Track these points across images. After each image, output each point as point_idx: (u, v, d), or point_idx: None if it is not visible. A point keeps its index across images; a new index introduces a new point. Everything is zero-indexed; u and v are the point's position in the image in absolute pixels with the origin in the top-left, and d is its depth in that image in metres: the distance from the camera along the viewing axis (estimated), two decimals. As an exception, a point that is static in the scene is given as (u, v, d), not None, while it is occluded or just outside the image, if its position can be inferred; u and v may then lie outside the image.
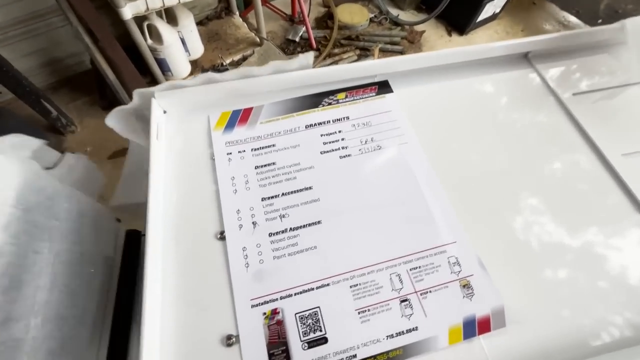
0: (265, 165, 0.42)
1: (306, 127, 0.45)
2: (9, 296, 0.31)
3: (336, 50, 1.86)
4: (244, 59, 1.81)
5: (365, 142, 0.44)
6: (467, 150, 0.44)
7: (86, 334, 0.40)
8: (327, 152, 0.43)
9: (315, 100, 0.47)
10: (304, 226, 0.38)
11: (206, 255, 0.36)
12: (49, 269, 0.36)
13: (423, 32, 2.00)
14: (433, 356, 0.32)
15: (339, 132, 0.44)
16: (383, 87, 0.48)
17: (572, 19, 2.22)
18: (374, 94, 0.48)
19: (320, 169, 0.42)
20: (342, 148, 0.43)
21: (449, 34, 2.04)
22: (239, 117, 0.45)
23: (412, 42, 1.97)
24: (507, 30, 2.09)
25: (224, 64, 1.76)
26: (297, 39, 1.89)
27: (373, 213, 0.39)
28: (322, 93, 0.48)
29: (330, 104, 0.47)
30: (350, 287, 0.35)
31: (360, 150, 0.43)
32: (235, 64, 1.77)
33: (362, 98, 0.47)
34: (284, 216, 0.39)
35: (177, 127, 0.45)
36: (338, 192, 0.40)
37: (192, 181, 0.41)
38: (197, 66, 1.75)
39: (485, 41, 2.00)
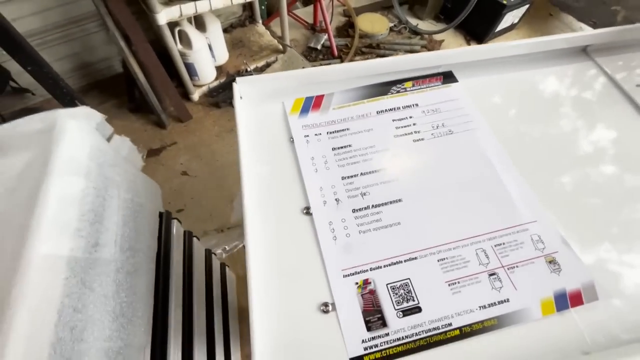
0: (342, 147, 0.43)
1: (377, 112, 0.46)
2: (95, 227, 0.38)
3: (357, 58, 1.90)
4: (268, 65, 1.85)
5: (437, 127, 0.45)
6: (537, 138, 0.45)
7: (148, 267, 0.46)
8: (400, 135, 0.44)
9: (383, 89, 0.49)
10: (386, 204, 0.39)
11: (295, 229, 0.37)
12: (121, 211, 0.43)
13: (442, 41, 2.04)
14: (528, 327, 0.33)
15: (410, 117, 0.46)
16: (448, 77, 0.50)
17: (589, 29, 2.25)
18: (439, 83, 0.50)
19: (395, 152, 0.43)
20: (415, 132, 0.45)
21: (468, 43, 2.07)
22: (312, 104, 0.47)
23: (431, 50, 2.01)
24: (525, 40, 2.12)
25: (249, 69, 1.80)
26: (319, 47, 1.93)
27: (452, 192, 0.40)
28: (389, 82, 0.49)
29: (398, 91, 0.49)
30: (438, 260, 0.36)
31: (432, 134, 0.44)
32: (259, 70, 1.81)
33: (429, 87, 0.49)
34: (365, 194, 0.40)
35: (255, 112, 0.47)
36: (415, 173, 0.41)
37: (274, 162, 0.42)
38: (222, 71, 1.79)
39: (503, 50, 2.03)
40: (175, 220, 0.70)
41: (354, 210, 0.39)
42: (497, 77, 0.51)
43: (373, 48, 1.94)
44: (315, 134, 0.44)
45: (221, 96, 1.71)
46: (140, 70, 1.48)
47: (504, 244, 0.37)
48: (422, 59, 0.49)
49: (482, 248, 0.36)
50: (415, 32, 2.06)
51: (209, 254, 0.90)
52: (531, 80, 0.51)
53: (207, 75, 1.73)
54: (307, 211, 0.39)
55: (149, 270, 0.45)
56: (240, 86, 0.46)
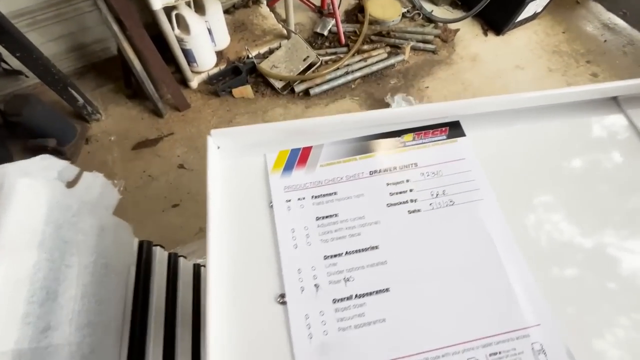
0: (327, 217, 0.38)
1: (370, 173, 0.41)
2: (47, 307, 0.34)
3: (365, 47, 1.79)
4: (271, 52, 1.75)
5: (436, 195, 0.40)
6: (551, 209, 0.39)
7: (112, 340, 0.43)
8: (394, 204, 0.39)
9: (380, 142, 0.43)
10: (371, 293, 0.35)
11: (267, 322, 0.34)
12: (80, 281, 0.38)
13: (457, 30, 1.90)
14: None
15: (407, 181, 0.41)
16: (454, 128, 0.44)
17: (619, 21, 2.08)
18: (444, 136, 0.44)
19: (386, 225, 0.38)
20: (411, 201, 0.39)
21: (485, 34, 1.94)
22: (298, 158, 0.42)
23: (445, 40, 1.88)
24: (547, 31, 1.97)
25: (250, 56, 1.71)
26: (326, 33, 1.82)
27: (446, 282, 0.35)
28: (387, 133, 0.44)
29: (396, 146, 0.43)
30: (425, 368, 0.32)
31: (430, 205, 0.39)
32: (262, 57, 1.72)
33: (432, 141, 0.43)
34: (348, 279, 0.36)
35: (232, 167, 0.41)
36: (407, 255, 0.37)
37: (250, 231, 0.38)
38: (222, 57, 1.70)
39: (524, 42, 1.90)
40: (157, 248, 0.67)
41: (334, 301, 0.35)
42: (514, 128, 0.45)
43: (383, 36, 1.82)
44: (299, 198, 0.40)
45: (221, 84, 1.63)
46: (136, 56, 1.40)
47: (500, 353, 0.32)
48: (427, 111, 0.43)
49: (475, 358, 0.32)
50: (429, 19, 1.92)
51: (197, 268, 0.87)
52: (552, 134, 0.44)
53: (207, 62, 1.64)
54: (282, 300, 0.34)
55: (112, 345, 0.42)
56: (217, 139, 0.40)
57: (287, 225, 0.38)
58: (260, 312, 0.34)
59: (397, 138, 0.43)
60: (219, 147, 0.42)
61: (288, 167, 0.41)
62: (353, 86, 1.70)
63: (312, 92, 1.63)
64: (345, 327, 0.33)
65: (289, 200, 0.39)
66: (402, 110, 0.42)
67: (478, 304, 0.34)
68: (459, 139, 0.43)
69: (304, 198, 0.40)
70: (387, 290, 0.35)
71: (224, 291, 0.35)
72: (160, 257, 0.66)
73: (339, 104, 1.66)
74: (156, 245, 0.67)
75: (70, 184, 0.47)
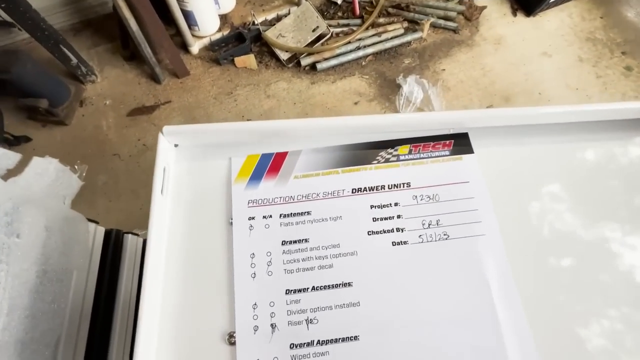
0: (295, 242, 0.32)
1: (353, 191, 0.34)
2: None
3: (381, 20, 1.65)
4: (278, 19, 1.63)
5: (429, 225, 0.33)
6: (568, 252, 0.33)
7: (49, 355, 0.37)
8: (377, 233, 0.33)
9: (368, 153, 0.36)
10: (337, 341, 0.29)
11: (210, 365, 0.29)
12: (7, 293, 0.33)
13: (484, 7, 1.74)
14: None
15: (395, 205, 0.34)
16: (460, 142, 0.37)
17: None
18: (447, 152, 0.36)
19: (365, 258, 0.32)
20: (397, 230, 0.33)
21: (514, 13, 1.77)
22: (269, 166, 0.35)
23: (469, 19, 1.73)
24: (584, 14, 1.79)
25: (256, 22, 1.59)
26: (339, 1, 1.67)
27: (427, 334, 0.30)
28: (379, 143, 0.36)
29: (388, 160, 0.36)
30: None
31: (420, 237, 0.33)
32: (268, 24, 1.60)
33: (431, 157, 0.36)
34: (311, 321, 0.30)
35: (191, 170, 0.35)
36: (384, 297, 0.31)
37: (203, 252, 0.32)
38: (226, 22, 1.59)
39: (556, 26, 1.73)
40: (129, 236, 0.62)
41: (292, 346, 0.29)
42: (531, 147, 0.37)
43: (401, 9, 1.68)
44: (264, 216, 0.33)
45: (223, 52, 1.53)
46: (131, 14, 1.30)
47: None
48: (430, 119, 0.36)
49: None
50: (455, -7, 1.75)
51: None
52: (576, 156, 0.37)
53: (209, 26, 1.53)
54: (232, 339, 0.29)
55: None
56: (172, 137, 0.34)
57: (247, 248, 0.32)
58: (206, 352, 0.29)
59: (389, 150, 0.36)
60: (176, 145, 0.36)
61: (256, 176, 0.35)
62: (364, 63, 1.58)
63: (319, 66, 1.52)
64: (301, 379, 0.28)
65: (252, 218, 0.33)
66: (398, 118, 0.35)
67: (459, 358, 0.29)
68: (465, 157, 0.36)
69: (270, 216, 0.33)
70: (356, 338, 0.30)
71: (164, 323, 0.30)
72: (132, 245, 0.61)
73: (347, 82, 1.55)
74: (128, 232, 0.62)
75: (11, 174, 0.41)
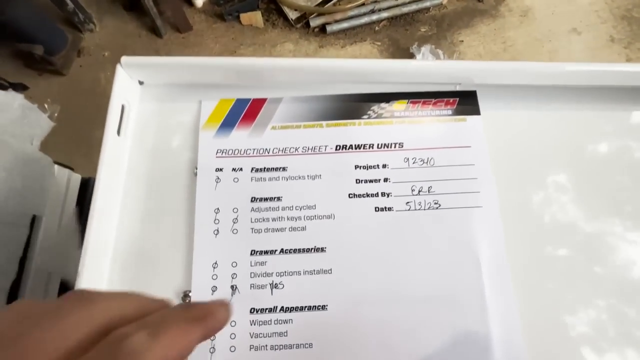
0: (266, 199, 0.29)
1: (337, 148, 0.30)
2: None
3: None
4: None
5: (419, 191, 0.29)
6: (568, 241, 0.29)
7: (2, 299, 0.36)
8: (359, 196, 0.29)
9: (358, 106, 0.31)
10: (302, 309, 0.26)
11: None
12: None
13: (514, -25, 1.60)
14: None
15: (384, 166, 0.30)
16: (467, 101, 0.32)
17: None
18: (449, 111, 0.31)
19: (342, 222, 0.28)
20: (382, 195, 0.29)
21: (545, -16, 1.63)
22: (244, 112, 0.31)
23: (496, -13, 1.59)
24: (622, -9, 1.64)
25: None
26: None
27: (405, 312, 0.26)
28: (370, 95, 0.32)
29: (380, 115, 0.31)
30: (349, 420, 0.24)
31: (408, 204, 0.29)
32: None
33: (431, 115, 0.31)
34: (276, 286, 0.27)
35: (155, 113, 0.31)
36: (361, 266, 0.27)
37: (161, 204, 0.29)
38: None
39: (590, 0, 1.59)
40: None
41: (252, 311, 0.26)
42: (542, 114, 0.32)
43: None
44: (234, 168, 0.30)
45: (228, 6, 1.45)
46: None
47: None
48: (433, 70, 0.31)
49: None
50: (483, -43, 1.61)
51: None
52: (601, 126, 0.32)
53: (215, -24, 1.44)
54: (187, 299, 0.26)
55: None
56: (133, 71, 0.29)
57: (211, 202, 0.29)
58: None
59: (383, 104, 0.32)
60: (141, 83, 0.31)
61: (227, 124, 0.31)
62: (377, 28, 1.49)
63: (329, 29, 1.43)
64: (259, 345, 0.25)
65: (220, 170, 0.29)
66: (396, 65, 0.30)
67: (440, 346, 0.26)
68: (470, 118, 0.31)
69: (240, 169, 0.29)
70: (323, 307, 0.26)
71: (114, 275, 0.27)
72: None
73: (357, 48, 1.47)
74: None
75: None
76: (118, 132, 0.28)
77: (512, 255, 0.28)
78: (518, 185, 0.30)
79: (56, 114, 0.48)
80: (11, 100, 0.40)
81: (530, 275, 0.28)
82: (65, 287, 0.46)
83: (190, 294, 0.26)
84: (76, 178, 0.52)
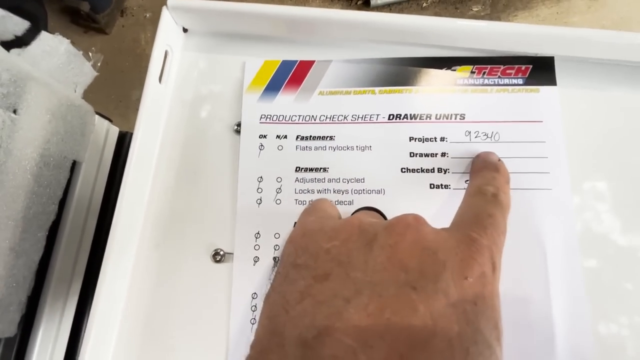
0: (312, 170, 0.27)
1: (390, 117, 0.28)
2: None
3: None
4: None
5: (480, 169, 0.26)
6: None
7: (41, 237, 0.37)
8: (413, 171, 0.27)
9: (415, 71, 0.28)
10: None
11: (202, 281, 0.25)
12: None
13: None
14: None
15: (442, 139, 0.27)
16: (541, 70, 0.28)
17: None
18: (521, 80, 0.28)
19: (393, 198, 0.26)
20: (439, 170, 0.27)
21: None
22: (290, 76, 0.29)
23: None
24: None
25: None
26: None
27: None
28: (430, 60, 0.28)
29: (440, 82, 0.28)
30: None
31: (467, 182, 0.26)
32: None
33: (499, 84, 0.28)
34: (320, 261, 0.26)
35: (197, 64, 0.30)
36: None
37: (200, 162, 0.28)
38: None
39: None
40: None
41: (294, 284, 0.25)
42: (634, 98, 0.28)
43: None
44: (278, 136, 0.28)
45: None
46: None
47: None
48: (506, 33, 0.27)
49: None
50: None
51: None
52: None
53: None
54: (219, 258, 0.26)
55: (39, 241, 0.37)
56: (178, 15, 0.28)
57: (254, 170, 0.27)
58: (190, 269, 0.26)
59: (446, 70, 0.28)
60: (185, 31, 0.30)
61: (272, 87, 0.28)
62: (425, 5, 1.38)
63: (373, 2, 1.35)
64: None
65: (264, 136, 0.28)
66: (465, 25, 0.26)
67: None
68: (544, 89, 0.27)
69: (285, 136, 0.28)
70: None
71: (145, 232, 0.26)
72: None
73: (398, 16, 1.37)
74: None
75: (15, 44, 0.37)
76: (160, 79, 0.27)
77: (584, 244, 0.25)
78: (596, 168, 0.26)
79: (99, 64, 0.48)
80: (58, 44, 0.40)
81: (605, 270, 0.25)
82: (100, 231, 0.47)
83: (221, 252, 0.26)
84: (114, 130, 0.52)
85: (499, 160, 0.24)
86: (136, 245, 0.26)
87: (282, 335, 0.14)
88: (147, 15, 1.43)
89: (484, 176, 0.22)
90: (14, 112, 0.33)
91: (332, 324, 0.13)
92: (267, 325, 0.15)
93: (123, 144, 0.54)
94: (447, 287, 0.14)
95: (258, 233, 0.26)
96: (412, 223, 0.16)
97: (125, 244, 0.25)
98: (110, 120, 0.53)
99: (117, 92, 1.29)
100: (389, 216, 0.26)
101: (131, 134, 0.58)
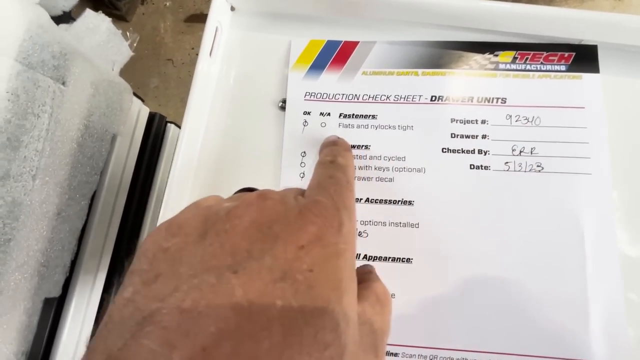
0: (353, 147, 0.28)
1: (432, 99, 0.28)
2: (6, 153, 0.29)
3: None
4: None
5: (520, 152, 0.27)
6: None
7: (84, 205, 0.39)
8: (454, 151, 0.27)
9: (458, 55, 0.29)
10: (386, 259, 0.26)
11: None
12: (49, 136, 0.33)
13: None
14: None
15: (483, 122, 0.28)
16: (584, 57, 0.28)
17: None
18: (563, 66, 0.28)
19: (433, 177, 0.27)
20: (479, 152, 0.27)
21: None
22: (334, 55, 0.29)
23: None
24: None
25: None
26: None
27: (497, 275, 0.25)
28: (473, 44, 0.29)
29: (483, 66, 0.29)
30: (425, 368, 0.24)
31: (507, 164, 0.27)
32: None
33: (541, 70, 0.28)
34: (360, 234, 0.26)
35: (244, 42, 0.31)
36: (450, 224, 0.26)
37: (242, 134, 0.29)
38: None
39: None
40: (172, 125, 0.61)
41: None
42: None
43: None
44: (322, 113, 0.29)
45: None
46: None
47: (538, 384, 0.24)
48: (548, 19, 0.27)
49: (500, 377, 0.24)
50: None
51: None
52: None
53: None
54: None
55: (82, 211, 0.38)
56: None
57: (298, 145, 0.28)
58: None
59: (487, 54, 0.29)
60: (233, 9, 0.31)
61: (317, 66, 0.29)
62: None
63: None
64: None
65: (308, 113, 0.29)
66: (507, 8, 0.26)
67: (531, 313, 0.24)
68: (586, 76, 0.28)
69: (328, 114, 0.29)
70: (408, 260, 0.26)
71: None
72: (173, 135, 0.61)
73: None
74: (171, 122, 0.61)
75: (63, 20, 0.39)
76: (210, 54, 0.28)
77: (622, 232, 0.25)
78: (630, 161, 0.27)
79: (135, 44, 0.49)
80: (100, 22, 0.42)
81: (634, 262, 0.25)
82: (129, 205, 0.49)
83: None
84: (145, 110, 0.53)
85: (338, 138, 0.26)
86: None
87: (95, 350, 0.12)
88: (167, 4, 1.44)
89: (323, 151, 0.23)
90: (63, 84, 0.34)
91: (141, 329, 0.11)
92: (92, 343, 0.13)
93: (152, 123, 0.56)
94: (273, 261, 0.13)
95: (300, 205, 0.27)
96: (253, 201, 0.15)
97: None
98: (143, 100, 0.54)
99: (135, 79, 1.31)
100: (430, 196, 0.27)
101: (160, 115, 0.60)
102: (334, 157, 0.21)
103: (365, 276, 0.19)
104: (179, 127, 0.64)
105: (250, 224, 0.14)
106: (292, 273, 0.13)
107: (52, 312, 0.36)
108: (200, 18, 1.43)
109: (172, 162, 0.25)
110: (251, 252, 0.13)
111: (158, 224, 0.24)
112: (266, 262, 0.13)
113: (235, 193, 0.20)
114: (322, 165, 0.20)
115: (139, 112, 0.51)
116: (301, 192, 0.17)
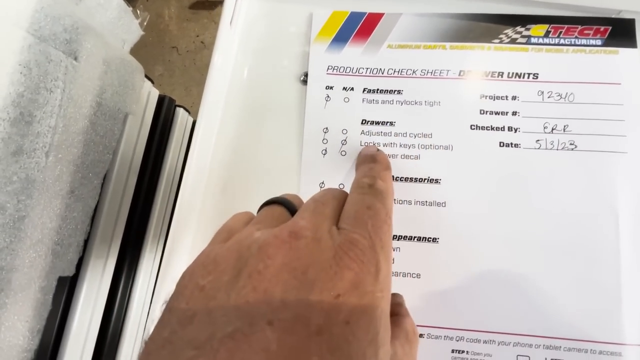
0: (378, 123, 0.27)
1: (460, 74, 0.27)
2: (19, 128, 0.28)
3: None
4: None
5: (552, 129, 0.26)
6: None
7: (97, 184, 0.38)
8: (483, 128, 0.26)
9: (488, 28, 0.28)
10: (412, 238, 0.25)
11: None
12: (62, 112, 0.32)
13: None
14: None
15: (514, 98, 0.26)
16: (621, 31, 0.27)
17: None
18: (599, 41, 0.27)
19: (461, 155, 0.26)
20: (509, 129, 0.26)
21: None
22: (358, 27, 0.28)
23: None
24: None
25: None
26: None
27: (525, 255, 0.24)
28: (504, 16, 0.28)
29: (514, 40, 0.27)
30: (452, 351, 0.24)
31: (538, 142, 0.26)
32: None
33: (575, 45, 0.27)
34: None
35: (264, 12, 0.29)
36: (479, 203, 0.25)
37: (262, 107, 0.28)
38: None
39: None
40: (181, 109, 0.60)
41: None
42: None
43: None
44: (345, 87, 0.28)
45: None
46: None
47: (567, 365, 0.23)
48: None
49: (528, 356, 0.23)
50: None
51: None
52: None
53: None
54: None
55: (95, 188, 0.37)
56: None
57: (320, 121, 0.27)
58: None
59: (519, 28, 0.27)
60: None
61: (340, 38, 0.28)
62: None
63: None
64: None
65: (330, 87, 0.27)
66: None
67: (562, 292, 0.24)
68: (623, 51, 0.27)
69: (352, 89, 0.27)
70: (434, 240, 0.25)
71: (213, 172, 0.27)
72: (182, 120, 0.60)
73: None
74: (180, 106, 0.60)
75: None
76: (230, 23, 0.27)
77: (658, 210, 0.24)
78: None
79: (145, 23, 0.48)
80: (107, 1, 0.40)
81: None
82: (139, 186, 0.48)
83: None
84: (155, 92, 0.52)
85: (378, 150, 0.24)
86: (203, 189, 0.27)
87: None
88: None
89: (362, 170, 0.21)
90: (75, 59, 0.33)
91: None
92: None
93: (162, 106, 0.55)
94: (310, 312, 0.12)
95: (323, 183, 0.26)
96: (285, 240, 0.14)
97: (194, 189, 0.25)
98: (152, 82, 0.53)
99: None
100: (458, 174, 0.26)
101: (170, 98, 0.59)
102: (372, 180, 0.19)
103: (395, 308, 0.19)
104: (188, 111, 0.64)
105: (282, 266, 0.13)
106: (328, 326, 0.12)
107: (65, 291, 0.36)
108: (205, 5, 1.41)
109: (190, 137, 0.24)
110: (285, 302, 0.13)
111: (180, 198, 0.23)
112: (302, 313, 0.12)
113: (261, 207, 0.20)
114: (360, 189, 0.19)
115: (149, 94, 0.49)
116: (336, 219, 0.16)
